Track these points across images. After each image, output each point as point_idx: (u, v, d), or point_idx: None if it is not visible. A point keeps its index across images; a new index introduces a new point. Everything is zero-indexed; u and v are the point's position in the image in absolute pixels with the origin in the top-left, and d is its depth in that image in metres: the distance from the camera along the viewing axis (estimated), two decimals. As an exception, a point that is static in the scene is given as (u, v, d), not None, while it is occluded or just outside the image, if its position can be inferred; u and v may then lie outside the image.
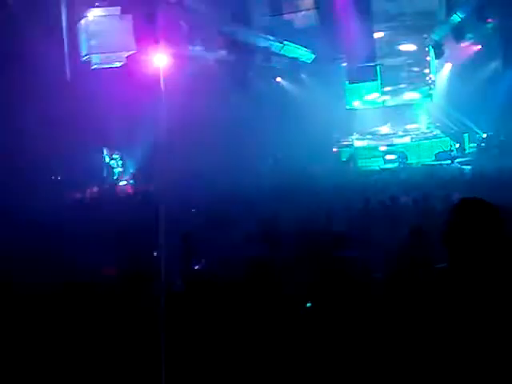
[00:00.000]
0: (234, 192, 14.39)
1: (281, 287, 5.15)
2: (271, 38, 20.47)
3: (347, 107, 23.56)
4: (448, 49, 21.11)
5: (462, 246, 2.90)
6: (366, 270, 6.59)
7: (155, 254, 3.44)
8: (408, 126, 22.93)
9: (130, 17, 18.12)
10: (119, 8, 18.08)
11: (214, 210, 11.40)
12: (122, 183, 19.70)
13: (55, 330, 4.39)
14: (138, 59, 18.38)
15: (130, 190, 19.05)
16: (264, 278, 5.25)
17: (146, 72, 18.23)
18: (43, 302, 4.78)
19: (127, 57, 18.26)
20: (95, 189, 17.93)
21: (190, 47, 19.48)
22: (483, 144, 20.07)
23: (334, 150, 21.93)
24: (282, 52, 21.40)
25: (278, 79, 22.68)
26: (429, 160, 20.74)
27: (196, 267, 7.26)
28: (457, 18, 19.41)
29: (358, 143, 22.49)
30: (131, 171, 19.86)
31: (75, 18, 17.85)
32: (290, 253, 6.88)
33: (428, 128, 23.11)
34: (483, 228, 2.89)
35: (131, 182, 19.75)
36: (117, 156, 19.73)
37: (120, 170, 19.93)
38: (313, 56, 21.77)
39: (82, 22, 17.60)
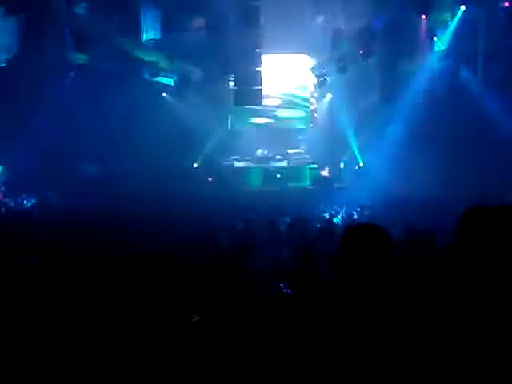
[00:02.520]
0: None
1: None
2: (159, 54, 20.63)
3: (230, 128, 23.93)
4: (331, 78, 22.02)
5: (349, 267, 3.04)
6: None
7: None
8: (289, 151, 23.48)
9: (13, 19, 17.47)
10: (3, 9, 17.35)
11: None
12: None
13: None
14: (20, 62, 17.74)
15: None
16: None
17: (27, 75, 17.66)
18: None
19: (8, 59, 17.58)
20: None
21: (76, 55, 19.05)
22: (359, 171, 21.07)
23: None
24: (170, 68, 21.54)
25: (164, 94, 22.70)
26: (306, 184, 21.46)
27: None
28: (341, 50, 20.38)
29: (237, 165, 22.71)
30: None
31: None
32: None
33: (306, 154, 23.74)
34: (373, 252, 3.04)
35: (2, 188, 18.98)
36: None
37: None
38: (201, 74, 22.04)
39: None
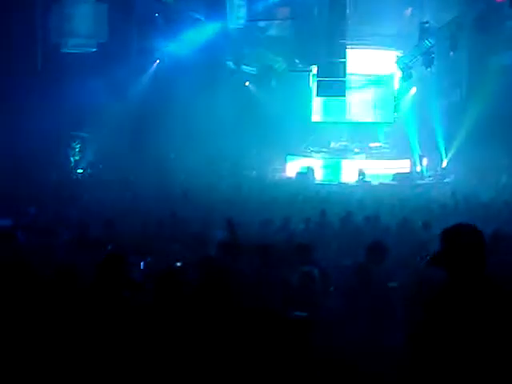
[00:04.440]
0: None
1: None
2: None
3: (312, 120, 23.77)
4: (416, 72, 21.53)
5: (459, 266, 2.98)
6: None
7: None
8: (370, 144, 23.14)
9: (105, 4, 17.93)
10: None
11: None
12: (78, 171, 19.46)
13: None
14: (110, 47, 18.21)
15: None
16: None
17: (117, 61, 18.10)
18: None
19: (99, 44, 18.03)
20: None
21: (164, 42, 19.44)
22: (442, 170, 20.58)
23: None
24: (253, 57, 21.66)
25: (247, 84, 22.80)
26: (387, 179, 21.04)
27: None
28: (427, 44, 19.85)
29: (316, 156, 22.56)
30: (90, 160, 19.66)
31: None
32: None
33: (387, 148, 23.35)
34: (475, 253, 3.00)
35: (88, 171, 19.54)
36: (77, 145, 19.47)
37: (77, 158, 19.68)
38: (285, 65, 22.03)
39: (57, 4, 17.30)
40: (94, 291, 4.66)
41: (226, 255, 7.04)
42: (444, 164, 21.07)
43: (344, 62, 20.20)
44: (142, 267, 7.08)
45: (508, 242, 7.41)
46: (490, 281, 3.05)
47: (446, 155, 21.11)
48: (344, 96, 21.40)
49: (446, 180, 20.16)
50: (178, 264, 6.99)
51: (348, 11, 19.58)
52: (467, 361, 2.89)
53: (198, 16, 20.04)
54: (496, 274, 3.28)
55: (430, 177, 20.82)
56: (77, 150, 19.50)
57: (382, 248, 7.05)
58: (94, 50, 17.87)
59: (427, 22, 19.91)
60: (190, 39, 19.76)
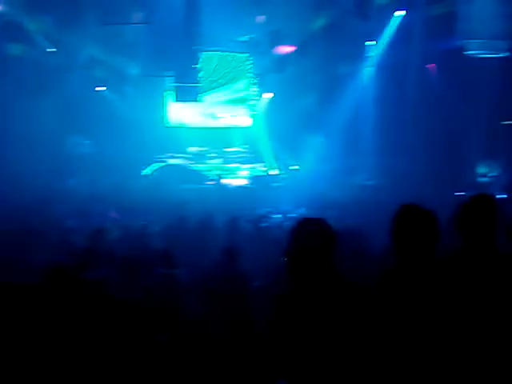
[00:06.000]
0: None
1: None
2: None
3: (166, 125, 23.77)
4: (270, 78, 22.14)
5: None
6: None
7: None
8: (225, 149, 23.47)
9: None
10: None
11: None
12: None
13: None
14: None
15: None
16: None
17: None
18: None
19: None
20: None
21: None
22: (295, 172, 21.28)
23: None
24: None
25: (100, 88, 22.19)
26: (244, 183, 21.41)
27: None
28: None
29: (172, 162, 22.50)
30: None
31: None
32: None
33: (244, 153, 23.78)
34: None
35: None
36: None
37: None
38: (139, 69, 21.78)
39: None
40: None
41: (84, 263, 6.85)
42: (296, 166, 21.67)
43: (198, 68, 20.42)
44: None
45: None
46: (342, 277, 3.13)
47: (299, 159, 21.79)
48: (198, 101, 21.62)
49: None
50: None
51: (203, 17, 19.69)
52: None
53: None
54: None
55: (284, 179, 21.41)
56: None
57: (235, 251, 7.29)
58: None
59: (279, 30, 20.51)
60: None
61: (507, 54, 14.57)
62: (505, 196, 13.34)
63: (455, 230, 3.29)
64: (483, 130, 14.94)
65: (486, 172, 15.65)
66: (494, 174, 15.38)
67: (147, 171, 21.22)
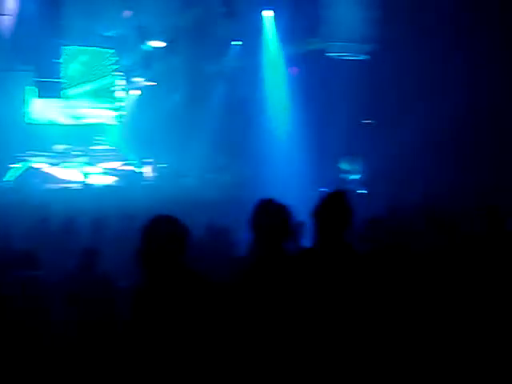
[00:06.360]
0: None
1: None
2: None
3: (28, 121, 22.78)
4: (138, 74, 21.86)
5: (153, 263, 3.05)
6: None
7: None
8: (91, 147, 22.88)
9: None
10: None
11: None
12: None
13: None
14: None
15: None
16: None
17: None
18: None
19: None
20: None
21: None
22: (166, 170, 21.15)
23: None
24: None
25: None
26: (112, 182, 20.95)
27: None
28: (145, 47, 20.29)
29: (36, 160, 21.60)
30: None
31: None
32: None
33: (111, 150, 23.31)
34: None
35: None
36: None
37: None
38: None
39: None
40: None
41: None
42: (165, 165, 21.53)
43: (59, 63, 19.74)
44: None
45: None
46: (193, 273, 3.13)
47: (169, 157, 21.65)
48: (60, 97, 20.95)
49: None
50: None
51: (65, 10, 19.03)
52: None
53: None
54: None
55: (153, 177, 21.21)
56: None
57: (95, 252, 7.17)
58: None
59: (146, 26, 20.28)
60: None
61: (367, 56, 15.39)
62: (365, 191, 14.01)
63: (313, 225, 3.40)
64: (344, 129, 15.57)
65: (347, 169, 16.36)
66: (355, 170, 16.12)
67: (9, 177, 20.09)
